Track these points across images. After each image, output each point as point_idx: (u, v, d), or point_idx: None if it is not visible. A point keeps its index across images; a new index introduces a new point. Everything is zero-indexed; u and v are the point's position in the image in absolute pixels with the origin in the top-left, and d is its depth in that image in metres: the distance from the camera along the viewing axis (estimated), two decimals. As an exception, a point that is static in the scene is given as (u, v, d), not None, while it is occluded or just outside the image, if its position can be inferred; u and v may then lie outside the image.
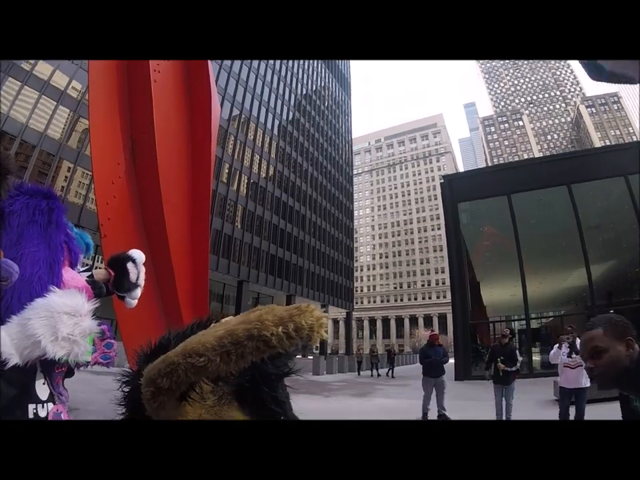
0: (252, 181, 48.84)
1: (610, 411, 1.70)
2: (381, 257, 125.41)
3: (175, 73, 6.68)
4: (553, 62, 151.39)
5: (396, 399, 13.39)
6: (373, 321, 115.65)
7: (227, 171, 44.35)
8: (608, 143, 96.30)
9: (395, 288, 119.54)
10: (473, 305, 21.28)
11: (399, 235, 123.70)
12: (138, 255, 2.31)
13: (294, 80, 61.24)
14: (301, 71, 63.91)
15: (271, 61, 54.72)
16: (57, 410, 1.57)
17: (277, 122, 55.07)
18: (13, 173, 1.45)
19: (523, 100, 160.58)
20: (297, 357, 1.14)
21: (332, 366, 25.00)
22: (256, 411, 1.17)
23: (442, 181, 24.76)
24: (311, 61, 66.57)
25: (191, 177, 6.78)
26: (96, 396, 8.60)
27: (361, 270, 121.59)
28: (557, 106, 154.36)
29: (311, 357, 29.87)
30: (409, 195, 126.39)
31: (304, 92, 63.92)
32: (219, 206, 42.26)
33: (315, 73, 69.30)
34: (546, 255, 19.66)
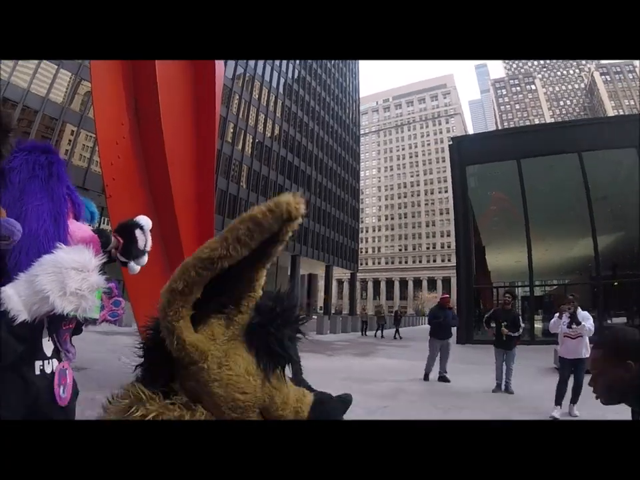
0: (257, 140, 48.43)
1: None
2: (386, 219, 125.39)
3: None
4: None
5: (397, 359, 13.62)
6: (377, 283, 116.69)
7: (231, 130, 43.93)
8: (621, 113, 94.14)
9: (400, 250, 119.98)
10: (477, 270, 21.36)
11: (405, 197, 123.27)
12: (145, 221, 2.26)
13: (301, 36, 59.76)
14: (308, 26, 62.27)
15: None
16: (63, 367, 1.60)
17: (282, 80, 54.12)
18: (14, 130, 1.43)
19: (536, 63, 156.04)
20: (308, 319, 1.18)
21: (335, 326, 25.27)
22: (263, 356, 1.21)
23: (450, 143, 24.45)
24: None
25: (196, 137, 6.76)
26: (104, 355, 8.83)
27: (366, 231, 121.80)
28: (571, 71, 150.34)
29: (315, 317, 30.20)
30: (416, 156, 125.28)
31: (311, 49, 62.43)
32: (224, 166, 42.03)
33: (323, 29, 67.50)
34: (553, 222, 19.54)
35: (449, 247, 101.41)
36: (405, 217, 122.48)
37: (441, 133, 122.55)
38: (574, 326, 6.73)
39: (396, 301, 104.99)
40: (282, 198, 1.01)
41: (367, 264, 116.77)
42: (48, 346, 1.55)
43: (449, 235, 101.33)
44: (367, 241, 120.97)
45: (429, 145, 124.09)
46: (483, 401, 7.48)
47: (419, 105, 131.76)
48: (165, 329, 1.12)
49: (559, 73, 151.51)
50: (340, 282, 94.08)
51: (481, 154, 21.16)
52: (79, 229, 1.84)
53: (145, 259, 2.28)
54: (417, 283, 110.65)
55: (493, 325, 8.82)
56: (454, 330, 10.78)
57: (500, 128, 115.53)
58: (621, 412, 1.65)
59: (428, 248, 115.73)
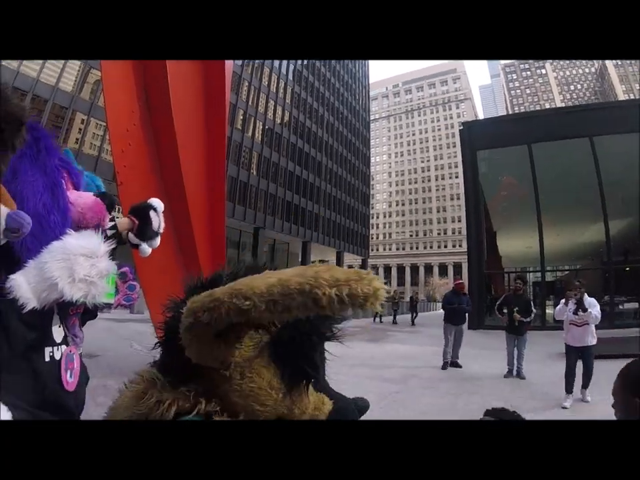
0: (267, 127, 48.24)
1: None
2: (397, 205, 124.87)
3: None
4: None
5: (409, 345, 13.66)
6: (388, 269, 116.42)
7: (241, 117, 43.76)
8: (632, 97, 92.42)
9: (411, 236, 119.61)
10: (488, 255, 21.22)
11: (415, 183, 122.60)
12: (158, 203, 2.29)
13: (310, 21, 59.30)
14: (317, 11, 61.71)
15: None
16: (70, 351, 1.59)
17: (291, 66, 53.69)
18: (26, 123, 1.41)
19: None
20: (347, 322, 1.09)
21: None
22: (288, 369, 1.15)
23: (461, 127, 24.22)
24: (328, 1, 64.18)
25: (206, 124, 6.77)
26: (115, 342, 8.93)
27: (377, 217, 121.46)
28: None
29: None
30: (426, 141, 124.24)
31: (320, 34, 61.92)
32: (234, 153, 41.92)
33: (332, 13, 66.88)
34: (564, 207, 19.30)
35: (459, 232, 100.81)
36: (416, 203, 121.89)
37: (451, 118, 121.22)
38: (580, 313, 6.61)
39: (407, 287, 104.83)
40: (360, 286, 0.83)
41: (377, 250, 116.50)
42: (58, 332, 1.54)
43: (459, 221, 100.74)
44: (377, 227, 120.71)
45: (439, 130, 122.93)
46: (495, 386, 7.51)
47: (429, 90, 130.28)
48: (184, 339, 1.05)
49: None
50: (350, 268, 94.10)
51: (492, 139, 20.89)
52: (79, 197, 1.86)
53: (158, 240, 2.30)
54: (428, 268, 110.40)
55: (505, 310, 8.80)
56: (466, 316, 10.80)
57: (510, 113, 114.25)
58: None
59: (439, 233, 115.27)
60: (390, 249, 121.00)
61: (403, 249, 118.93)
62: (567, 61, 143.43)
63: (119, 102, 5.77)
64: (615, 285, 18.03)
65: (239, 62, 41.95)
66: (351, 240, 65.48)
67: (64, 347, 1.55)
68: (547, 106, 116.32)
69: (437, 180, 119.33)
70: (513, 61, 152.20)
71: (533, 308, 8.85)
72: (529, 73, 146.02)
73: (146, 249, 2.28)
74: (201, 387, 1.15)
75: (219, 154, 6.91)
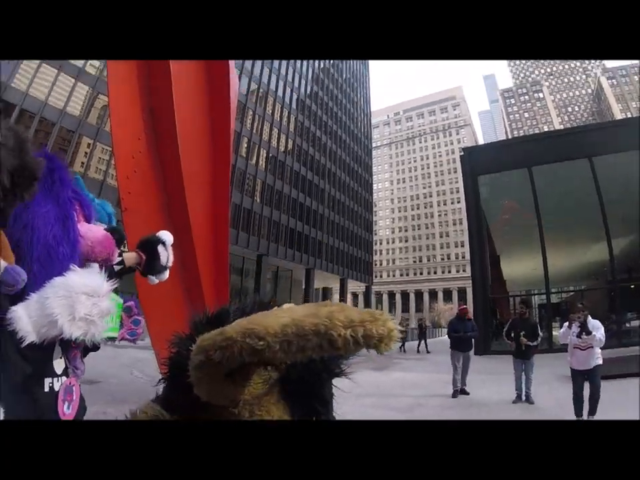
0: (271, 154, 48.65)
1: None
2: (400, 231, 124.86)
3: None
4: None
5: (415, 373, 13.50)
6: (392, 295, 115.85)
7: (245, 145, 44.22)
8: (629, 115, 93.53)
9: (414, 262, 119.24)
10: (492, 279, 21.11)
11: (418, 209, 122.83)
12: (167, 237, 2.30)
13: (312, 52, 60.25)
14: (318, 42, 62.73)
15: (289, 33, 53.93)
16: (70, 383, 1.58)
17: (295, 96, 54.50)
18: (39, 179, 1.43)
19: (542, 71, 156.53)
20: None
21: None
22: (298, 407, 1.14)
23: (462, 153, 24.36)
24: (329, 32, 65.31)
25: (211, 151, 6.80)
26: (116, 369, 8.85)
27: (380, 243, 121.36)
28: (578, 77, 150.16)
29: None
30: (428, 168, 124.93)
31: (321, 65, 62.89)
32: (238, 180, 42.18)
33: (333, 44, 67.98)
34: (567, 228, 19.29)
35: (463, 257, 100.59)
36: (419, 229, 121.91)
37: (451, 144, 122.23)
38: (584, 336, 6.43)
39: (412, 313, 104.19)
40: (375, 327, 0.84)
41: (381, 276, 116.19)
42: (59, 364, 1.53)
43: (463, 245, 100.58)
44: (381, 253, 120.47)
45: (440, 156, 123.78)
46: (503, 412, 7.38)
47: (429, 117, 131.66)
48: (193, 377, 1.04)
49: (565, 80, 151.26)
50: (355, 295, 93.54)
51: (492, 163, 21.06)
52: (90, 230, 1.85)
53: (167, 274, 2.30)
54: (433, 294, 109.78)
55: (513, 335, 8.67)
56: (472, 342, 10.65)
57: (510, 137, 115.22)
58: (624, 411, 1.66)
59: (442, 259, 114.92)
60: (394, 275, 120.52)
61: (407, 274, 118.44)
62: (564, 84, 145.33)
63: (126, 128, 5.82)
64: (620, 303, 17.90)
65: (244, 91, 42.65)
66: (354, 267, 65.28)
67: (64, 378, 1.54)
68: (546, 129, 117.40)
69: (439, 205, 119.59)
70: (510, 85, 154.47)
71: (539, 331, 8.73)
72: (526, 97, 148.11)
73: (153, 280, 2.28)
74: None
75: (223, 180, 6.93)
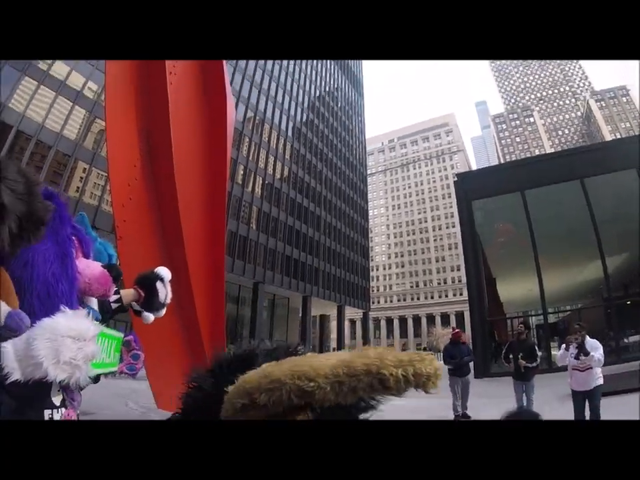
0: (267, 182, 48.84)
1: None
2: (396, 256, 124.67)
3: (191, 76, 6.66)
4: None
5: (416, 398, 13.33)
6: (390, 321, 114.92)
7: (241, 172, 44.38)
8: (619, 136, 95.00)
9: (412, 287, 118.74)
10: (489, 302, 21.11)
11: (413, 234, 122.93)
12: (165, 273, 2.31)
13: (307, 81, 61.29)
14: (313, 72, 63.85)
15: (284, 63, 54.86)
16: (68, 415, 1.59)
17: (290, 123, 55.11)
18: (48, 224, 1.44)
19: (533, 96, 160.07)
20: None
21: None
22: None
23: (455, 179, 24.58)
24: (324, 62, 66.51)
25: (207, 179, 6.75)
26: (111, 400, 8.67)
27: (377, 269, 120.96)
28: (567, 101, 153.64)
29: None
30: (422, 194, 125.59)
31: (317, 93, 63.87)
32: (234, 207, 42.24)
33: (328, 74, 69.16)
34: (561, 248, 19.52)
35: (459, 281, 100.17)
36: (415, 254, 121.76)
37: (445, 169, 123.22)
38: (582, 357, 6.34)
39: (410, 339, 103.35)
40: (423, 366, 0.86)
41: (379, 302, 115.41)
42: (57, 395, 1.54)
43: (459, 269, 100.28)
44: (378, 279, 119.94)
45: (434, 182, 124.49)
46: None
47: (422, 143, 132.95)
48: (228, 417, 1.02)
49: (555, 104, 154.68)
50: (352, 322, 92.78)
51: (486, 188, 21.34)
52: (87, 266, 1.90)
53: (164, 311, 2.34)
54: (430, 318, 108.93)
55: (511, 357, 8.54)
56: (471, 364, 10.48)
57: (502, 161, 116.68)
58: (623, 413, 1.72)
59: (439, 283, 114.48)
60: (391, 301, 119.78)
61: (404, 300, 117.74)
62: (554, 108, 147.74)
63: (122, 156, 5.76)
64: (618, 319, 17.97)
65: (240, 118, 42.95)
66: (351, 293, 64.87)
67: (63, 409, 1.56)
68: (537, 152, 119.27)
69: (434, 230, 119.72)
70: (501, 111, 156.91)
71: (537, 352, 8.61)
72: (518, 122, 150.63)
73: (149, 317, 2.31)
74: None
75: (219, 208, 6.89)
